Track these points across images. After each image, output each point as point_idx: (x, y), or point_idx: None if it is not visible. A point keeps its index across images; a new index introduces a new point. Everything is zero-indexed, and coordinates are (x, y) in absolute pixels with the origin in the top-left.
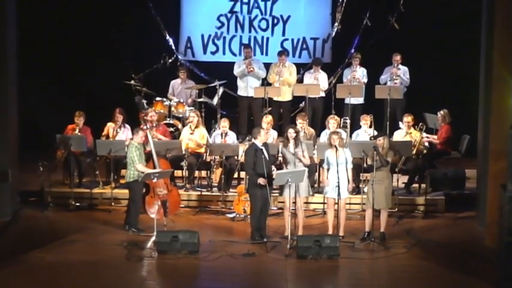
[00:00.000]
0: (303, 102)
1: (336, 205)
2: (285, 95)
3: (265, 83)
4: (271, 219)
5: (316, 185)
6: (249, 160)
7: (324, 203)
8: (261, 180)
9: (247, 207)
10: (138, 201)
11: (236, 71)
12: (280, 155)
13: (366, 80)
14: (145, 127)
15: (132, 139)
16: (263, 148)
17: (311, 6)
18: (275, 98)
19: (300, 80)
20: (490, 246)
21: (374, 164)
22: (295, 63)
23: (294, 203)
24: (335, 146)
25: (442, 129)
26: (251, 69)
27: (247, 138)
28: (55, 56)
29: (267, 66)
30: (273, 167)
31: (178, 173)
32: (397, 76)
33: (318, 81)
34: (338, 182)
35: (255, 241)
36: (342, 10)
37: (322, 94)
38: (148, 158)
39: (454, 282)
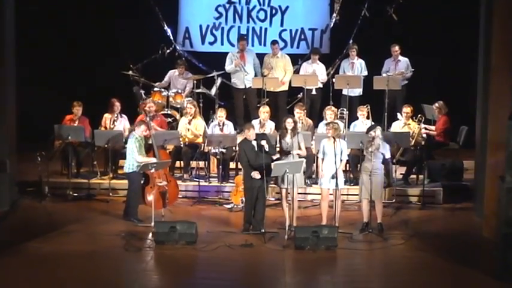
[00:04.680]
0: (301, 93)
1: (331, 195)
2: (279, 86)
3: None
4: (269, 210)
5: (314, 176)
6: (241, 154)
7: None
8: (254, 174)
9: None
10: (138, 191)
11: (227, 68)
12: (278, 145)
13: (366, 73)
14: (147, 118)
15: (133, 130)
16: (254, 142)
17: None
18: (268, 89)
19: (297, 71)
20: (488, 237)
21: (371, 155)
22: (293, 54)
23: (289, 193)
24: (332, 137)
25: (440, 120)
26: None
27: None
28: (53, 46)
29: (262, 56)
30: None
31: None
32: (406, 77)
33: (315, 73)
34: (336, 173)
35: (247, 232)
36: (340, 1)
37: (320, 85)
38: (148, 148)
39: (452, 273)
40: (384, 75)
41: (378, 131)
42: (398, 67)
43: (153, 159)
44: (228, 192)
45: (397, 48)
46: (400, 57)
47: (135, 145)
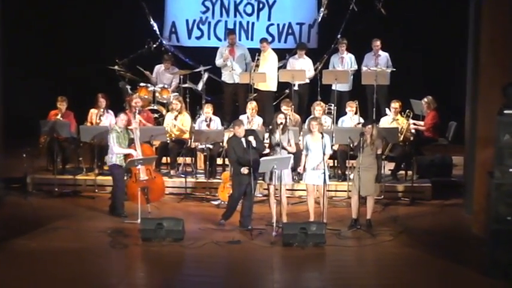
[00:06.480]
0: (287, 89)
1: (318, 191)
2: (263, 85)
3: (249, 69)
4: (257, 206)
5: (301, 172)
6: (230, 151)
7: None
8: (244, 169)
9: None
10: (121, 186)
11: (217, 62)
12: (266, 141)
13: (356, 67)
14: (136, 110)
15: (116, 123)
16: (243, 139)
17: None
18: (255, 86)
19: (284, 66)
20: (477, 233)
21: (360, 150)
22: (280, 49)
23: (277, 190)
24: (321, 133)
25: (429, 115)
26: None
27: (231, 125)
28: (38, 41)
29: (253, 51)
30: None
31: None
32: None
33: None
34: (324, 169)
35: (225, 218)
36: None
37: (307, 81)
38: (131, 143)
39: (441, 270)
40: (364, 69)
41: (374, 128)
42: (378, 62)
43: (132, 151)
44: (215, 188)
45: (378, 43)
46: (381, 52)
47: (111, 135)
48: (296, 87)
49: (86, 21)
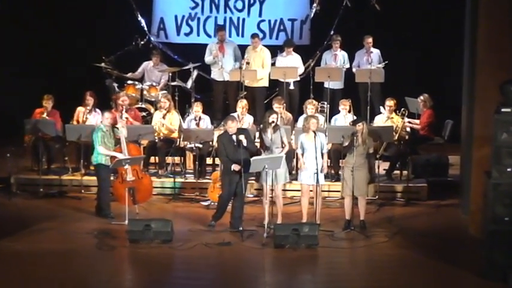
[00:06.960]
0: (277, 88)
1: (312, 192)
2: (256, 79)
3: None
4: (248, 207)
5: (294, 172)
6: (220, 148)
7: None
8: (235, 167)
9: None
10: (105, 186)
11: (206, 59)
12: (257, 140)
13: (348, 65)
14: (123, 108)
15: (101, 122)
16: (233, 136)
17: None
18: (246, 83)
19: (274, 64)
20: (474, 234)
21: (354, 150)
22: (272, 46)
23: (272, 190)
24: (313, 131)
25: (424, 114)
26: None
27: (221, 124)
28: (23, 38)
29: (243, 48)
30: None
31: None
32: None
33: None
34: (317, 168)
35: (215, 219)
36: None
37: (297, 78)
38: (117, 142)
39: (437, 272)
40: (354, 69)
41: (364, 126)
42: (371, 59)
43: (117, 154)
44: (204, 188)
45: (370, 40)
46: (372, 49)
47: (95, 135)
48: (292, 87)
49: (73, 18)
